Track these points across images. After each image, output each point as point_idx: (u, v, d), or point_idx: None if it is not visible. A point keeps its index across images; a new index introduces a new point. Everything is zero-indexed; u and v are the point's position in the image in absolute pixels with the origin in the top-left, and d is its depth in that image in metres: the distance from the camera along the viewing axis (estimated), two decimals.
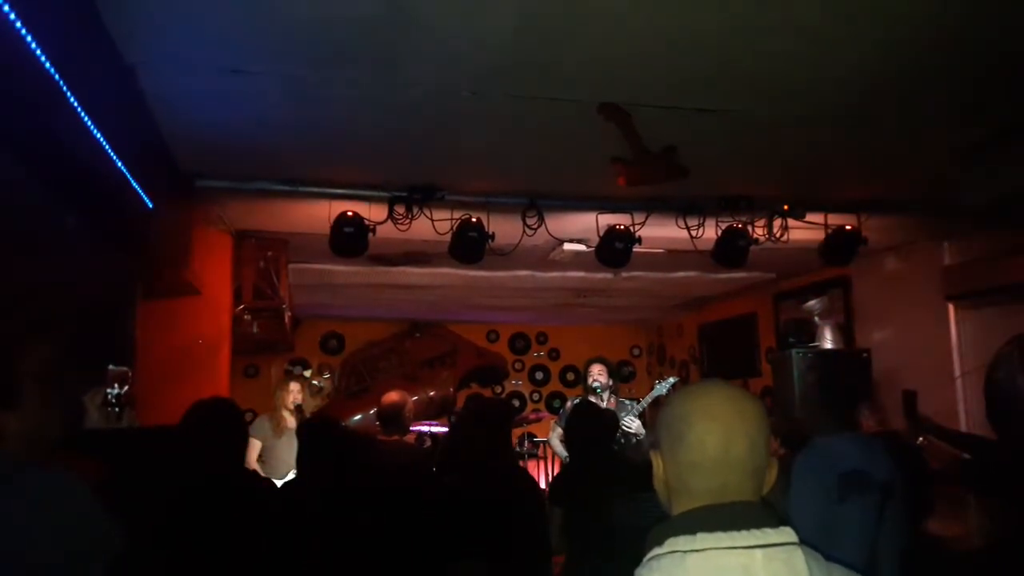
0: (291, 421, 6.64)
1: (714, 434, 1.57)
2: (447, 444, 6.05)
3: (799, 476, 3.46)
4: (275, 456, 6.40)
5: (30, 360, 2.22)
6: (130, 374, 3.50)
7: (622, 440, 6.19)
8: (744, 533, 1.48)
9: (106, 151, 3.49)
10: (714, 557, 1.46)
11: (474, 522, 3.85)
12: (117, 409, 3.17)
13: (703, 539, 1.48)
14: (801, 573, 1.46)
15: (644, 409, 6.60)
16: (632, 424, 6.35)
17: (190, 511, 3.23)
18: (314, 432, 4.07)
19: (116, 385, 3.40)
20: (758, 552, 1.45)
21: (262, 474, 6.22)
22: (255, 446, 6.58)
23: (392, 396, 5.37)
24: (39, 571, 2.08)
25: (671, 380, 6.99)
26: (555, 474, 5.65)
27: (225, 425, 3.52)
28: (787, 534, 1.50)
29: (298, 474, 4.13)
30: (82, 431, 3.35)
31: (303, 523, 3.57)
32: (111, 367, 3.41)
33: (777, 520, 1.52)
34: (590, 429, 4.61)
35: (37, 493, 2.14)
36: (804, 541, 1.52)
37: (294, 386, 6.90)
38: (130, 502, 2.42)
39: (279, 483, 4.88)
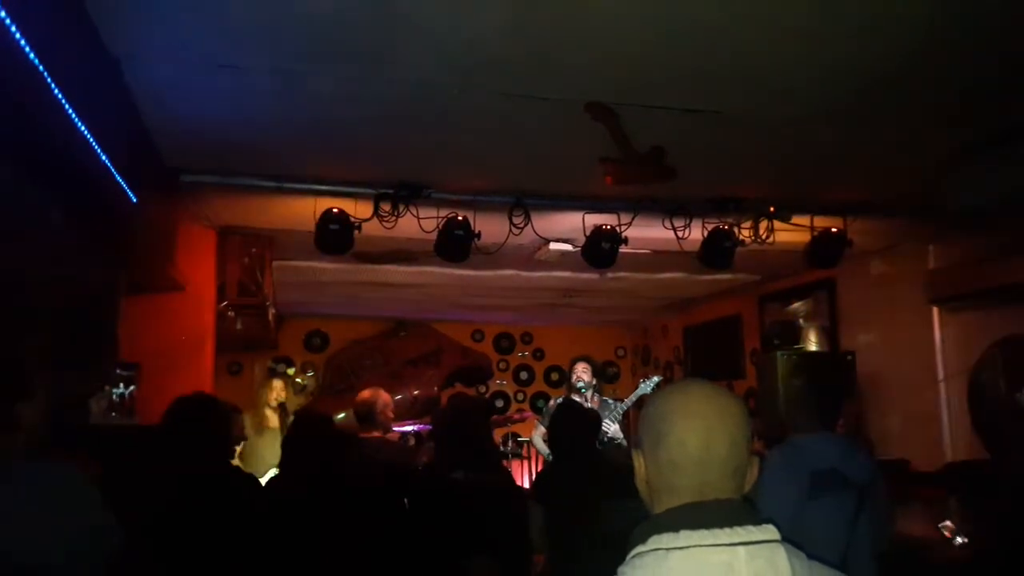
0: (273, 419, 6.62)
1: (695, 433, 1.57)
2: (428, 442, 6.03)
3: (771, 472, 3.46)
4: (255, 454, 6.37)
5: (40, 353, 2.26)
6: (136, 376, 3.49)
7: (605, 440, 6.19)
8: (727, 531, 1.47)
9: (90, 144, 3.46)
10: (697, 554, 1.46)
11: (460, 519, 3.85)
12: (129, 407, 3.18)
13: (686, 536, 1.47)
14: (783, 571, 1.46)
15: (628, 408, 6.60)
16: (610, 428, 6.34)
17: (175, 507, 3.21)
18: (305, 427, 4.06)
19: (122, 386, 3.39)
20: (741, 549, 1.45)
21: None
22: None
23: (364, 394, 5.37)
24: (47, 559, 2.10)
25: (655, 379, 6.98)
26: (538, 472, 5.65)
27: (208, 422, 3.51)
28: (770, 532, 1.50)
29: (284, 468, 4.10)
30: (73, 427, 3.35)
31: (289, 519, 3.56)
32: (119, 370, 3.41)
33: (760, 518, 1.52)
34: (572, 427, 4.61)
35: (47, 485, 2.18)
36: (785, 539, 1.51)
37: (277, 384, 6.89)
38: (120, 497, 2.42)
39: (262, 480, 4.86)
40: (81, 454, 2.76)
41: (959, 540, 4.94)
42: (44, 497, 2.17)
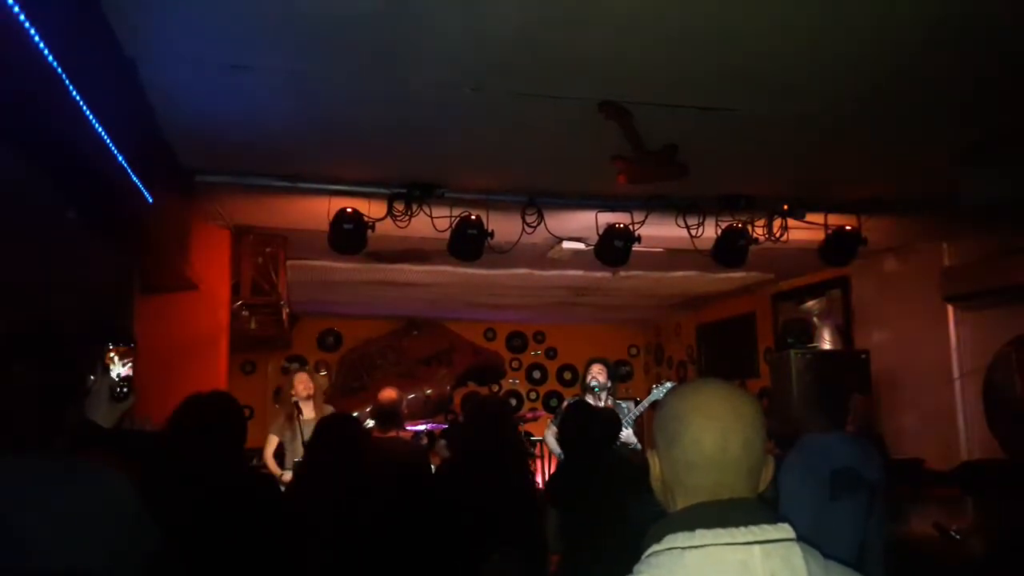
0: (308, 411, 6.63)
1: (710, 433, 1.56)
2: (454, 442, 6.05)
3: (790, 473, 3.47)
4: (294, 451, 6.38)
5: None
6: (132, 352, 3.49)
7: (617, 444, 6.18)
8: (742, 529, 1.47)
9: (107, 145, 3.48)
10: (713, 553, 1.46)
11: (477, 518, 3.85)
12: (125, 390, 3.18)
13: (702, 535, 1.48)
14: (799, 569, 1.46)
15: (640, 413, 6.58)
16: (622, 432, 6.33)
17: (199, 510, 3.21)
18: (328, 428, 4.07)
19: (123, 365, 3.39)
20: (756, 548, 1.45)
21: (278, 471, 6.25)
22: (272, 442, 6.59)
23: (390, 393, 5.38)
24: (100, 562, 2.12)
25: (667, 384, 6.96)
26: (551, 473, 5.64)
27: (224, 420, 3.50)
28: (785, 530, 1.50)
29: (306, 468, 4.10)
30: (102, 431, 3.35)
31: (313, 519, 3.57)
32: (112, 346, 3.40)
33: (775, 517, 1.52)
34: (583, 427, 4.61)
35: (91, 488, 2.19)
36: (801, 538, 1.51)
37: (302, 376, 6.92)
38: (149, 499, 2.44)
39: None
40: (111, 456, 2.77)
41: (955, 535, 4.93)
42: (100, 499, 2.20)
